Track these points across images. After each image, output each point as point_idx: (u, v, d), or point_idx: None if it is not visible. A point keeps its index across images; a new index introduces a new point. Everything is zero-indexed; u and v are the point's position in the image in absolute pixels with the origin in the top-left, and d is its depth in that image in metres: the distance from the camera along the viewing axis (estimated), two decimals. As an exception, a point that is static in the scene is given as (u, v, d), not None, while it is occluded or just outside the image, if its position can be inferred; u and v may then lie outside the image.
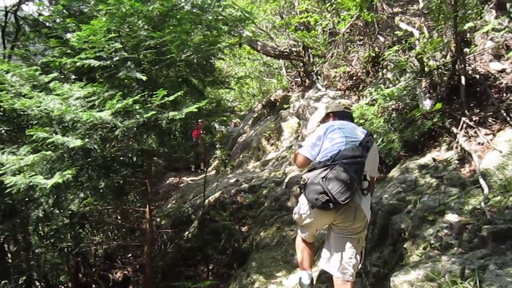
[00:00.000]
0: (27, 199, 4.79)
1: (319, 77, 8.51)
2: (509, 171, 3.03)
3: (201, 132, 10.03)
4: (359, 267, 2.79)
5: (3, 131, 5.57)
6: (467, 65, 4.16)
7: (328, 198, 2.45)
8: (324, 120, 3.26)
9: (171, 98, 3.39)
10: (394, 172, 4.05)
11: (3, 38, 6.72)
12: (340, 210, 2.57)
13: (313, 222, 2.79)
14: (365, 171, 2.66)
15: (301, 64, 10.03)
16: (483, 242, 2.62)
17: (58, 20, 5.15)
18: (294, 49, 9.42)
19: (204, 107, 4.13)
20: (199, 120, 9.65)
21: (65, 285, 7.30)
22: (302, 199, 2.77)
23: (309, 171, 2.68)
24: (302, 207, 2.78)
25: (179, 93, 3.45)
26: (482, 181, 3.03)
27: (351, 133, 2.81)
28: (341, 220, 2.63)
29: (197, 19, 4.16)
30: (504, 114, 3.54)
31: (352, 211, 2.60)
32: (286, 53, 9.54)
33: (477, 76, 4.15)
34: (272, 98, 11.96)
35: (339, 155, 2.61)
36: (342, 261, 2.63)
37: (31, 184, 3.14)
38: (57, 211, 4.96)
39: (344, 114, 3.08)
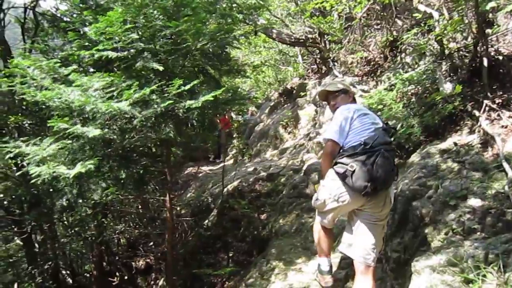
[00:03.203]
0: (51, 189, 4.94)
1: (335, 63, 8.40)
2: (534, 154, 2.95)
3: (225, 124, 10.23)
4: (380, 253, 2.78)
5: (26, 124, 5.74)
6: (489, 46, 4.03)
7: (375, 185, 2.45)
8: (341, 95, 3.10)
9: (188, 87, 3.41)
10: (415, 157, 3.99)
11: (23, 34, 6.87)
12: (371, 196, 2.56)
13: (341, 208, 2.72)
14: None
15: (317, 51, 9.90)
16: (507, 227, 2.58)
17: (75, 14, 5.22)
18: (310, 35, 9.30)
19: (220, 96, 4.14)
20: (225, 114, 9.72)
21: (90, 273, 7.53)
22: (333, 183, 2.69)
23: (348, 156, 2.58)
24: (330, 192, 2.71)
25: (195, 82, 3.46)
26: (505, 165, 2.96)
27: (374, 118, 2.80)
28: (370, 206, 2.62)
29: (212, 7, 4.14)
30: (529, 95, 3.44)
31: (383, 197, 2.61)
32: (302, 40, 9.43)
33: (500, 57, 4.02)
34: (288, 86, 11.90)
35: (376, 141, 2.57)
36: (366, 247, 2.63)
37: (54, 174, 3.23)
38: (81, 201, 5.10)
39: (352, 97, 3.14)
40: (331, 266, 3.06)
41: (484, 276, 2.28)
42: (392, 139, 2.73)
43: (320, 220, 3.03)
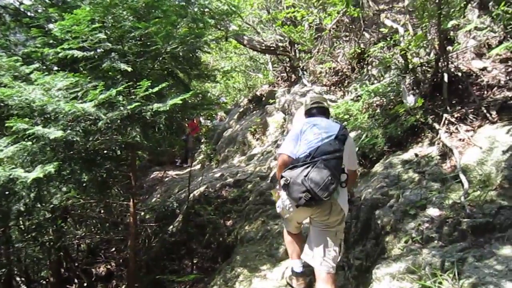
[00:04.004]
0: (7, 192, 4.69)
1: (305, 72, 8.54)
2: (488, 166, 3.10)
3: (193, 129, 10.14)
4: (339, 259, 2.84)
5: (-18, 122, 5.43)
6: (450, 62, 4.22)
7: (311, 196, 2.50)
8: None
9: (156, 89, 3.36)
10: (378, 167, 4.10)
11: (-18, 27, 6.53)
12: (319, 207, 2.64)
13: (292, 216, 2.89)
14: (344, 165, 2.74)
15: (288, 59, 10.04)
16: (463, 236, 2.69)
17: (40, 10, 5.03)
18: (280, 44, 9.41)
19: (189, 100, 4.10)
20: (193, 118, 9.60)
21: (47, 280, 7.18)
22: (283, 194, 2.81)
23: (290, 169, 2.69)
24: (282, 202, 2.85)
25: (163, 85, 3.42)
26: (462, 176, 3.10)
27: (326, 127, 2.86)
28: (317, 214, 2.71)
29: (183, 11, 4.11)
30: (485, 111, 3.61)
31: (328, 206, 2.66)
32: (273, 48, 9.53)
33: (459, 74, 4.22)
34: (258, 93, 11.96)
35: (318, 151, 2.66)
36: (322, 254, 2.70)
37: (11, 177, 3.08)
38: (39, 205, 4.87)
39: (319, 111, 3.16)
40: (304, 267, 3.12)
41: (440, 283, 2.36)
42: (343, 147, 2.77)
43: (285, 226, 3.20)
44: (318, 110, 3.16)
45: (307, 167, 2.58)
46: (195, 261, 5.45)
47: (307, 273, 3.23)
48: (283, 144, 2.95)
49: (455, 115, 3.82)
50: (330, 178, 2.53)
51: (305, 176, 2.54)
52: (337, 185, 2.60)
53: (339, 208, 2.69)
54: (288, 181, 2.61)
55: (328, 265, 2.67)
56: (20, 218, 6.12)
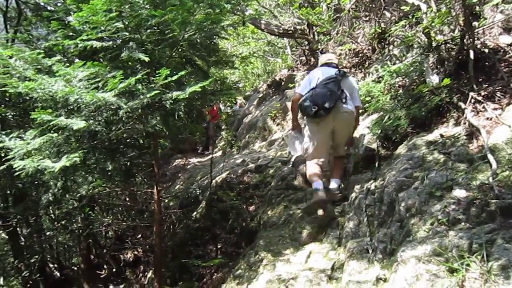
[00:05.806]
0: (36, 182, 4.86)
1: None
2: (518, 145, 2.99)
3: (214, 116, 10.21)
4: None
5: (9, 116, 5.61)
6: (475, 39, 4.06)
7: (317, 107, 3.68)
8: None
9: (175, 77, 3.36)
10: (401, 149, 4.02)
11: (5, 23, 6.70)
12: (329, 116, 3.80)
13: (317, 138, 3.98)
14: (342, 87, 3.87)
15: (306, 42, 9.88)
16: (491, 217, 2.61)
17: (59, 3, 5.11)
18: (298, 27, 9.26)
19: (208, 87, 4.10)
20: (213, 105, 9.66)
21: (78, 266, 7.47)
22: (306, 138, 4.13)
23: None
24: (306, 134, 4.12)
25: (182, 73, 3.42)
26: (490, 156, 2.99)
27: (328, 71, 4.04)
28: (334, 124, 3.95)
29: (199, -4, 4.09)
30: (514, 88, 3.48)
31: (332, 114, 3.82)
32: (291, 32, 9.38)
33: (486, 50, 4.06)
34: (277, 78, 11.86)
35: (319, 82, 3.87)
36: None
37: (39, 167, 3.17)
38: (67, 194, 5.03)
39: (330, 64, 4.24)
40: (323, 185, 3.81)
41: (468, 265, 2.32)
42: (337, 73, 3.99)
43: (311, 162, 4.04)
44: (329, 64, 4.23)
45: (311, 91, 3.83)
46: (219, 246, 5.52)
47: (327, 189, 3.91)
48: (299, 86, 4.19)
49: (482, 93, 3.68)
50: (329, 93, 3.69)
51: (311, 96, 3.77)
52: (337, 98, 3.72)
53: (344, 113, 3.86)
54: (301, 103, 3.83)
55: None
56: (50, 208, 6.36)
